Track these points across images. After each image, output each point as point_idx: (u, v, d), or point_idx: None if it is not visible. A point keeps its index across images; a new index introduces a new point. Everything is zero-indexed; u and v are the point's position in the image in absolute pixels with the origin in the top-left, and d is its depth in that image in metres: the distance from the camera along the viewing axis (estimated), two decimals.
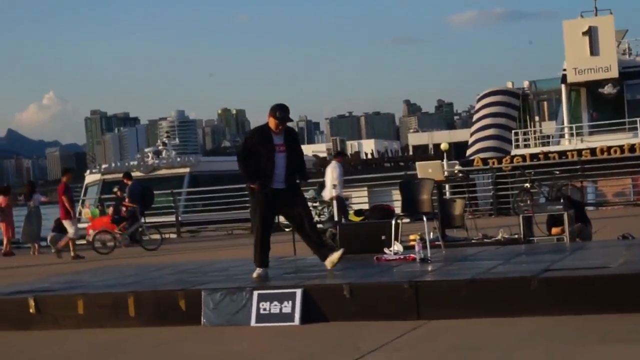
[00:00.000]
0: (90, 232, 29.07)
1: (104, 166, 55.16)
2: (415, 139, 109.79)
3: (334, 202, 23.14)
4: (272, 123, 11.23)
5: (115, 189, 26.81)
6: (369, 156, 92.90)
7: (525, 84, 54.53)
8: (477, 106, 54.18)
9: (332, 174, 23.34)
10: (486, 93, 53.69)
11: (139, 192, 27.77)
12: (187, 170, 48.88)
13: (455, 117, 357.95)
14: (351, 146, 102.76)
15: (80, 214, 38.62)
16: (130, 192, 27.57)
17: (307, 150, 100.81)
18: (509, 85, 55.42)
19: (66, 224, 23.43)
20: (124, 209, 26.72)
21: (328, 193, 23.43)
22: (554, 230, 15.18)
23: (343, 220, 21.94)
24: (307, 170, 12.04)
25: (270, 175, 11.11)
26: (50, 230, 28.74)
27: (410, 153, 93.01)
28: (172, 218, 35.39)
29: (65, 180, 23.64)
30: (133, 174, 40.97)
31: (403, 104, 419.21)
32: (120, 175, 30.47)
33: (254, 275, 11.20)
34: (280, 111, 11.25)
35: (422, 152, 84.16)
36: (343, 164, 23.74)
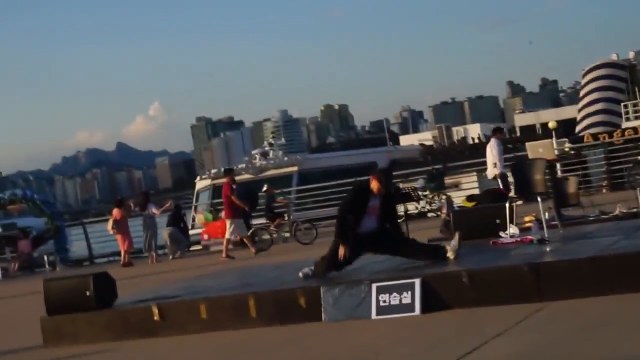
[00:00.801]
0: (205, 236, 29.46)
1: (213, 171, 55.80)
2: (522, 119, 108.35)
3: (499, 180, 22.88)
4: (374, 185, 11.30)
5: (266, 187, 27.24)
6: (476, 140, 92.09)
7: (631, 54, 53.39)
8: (583, 81, 53.27)
9: (492, 151, 23.11)
10: (592, 67, 52.75)
11: (244, 194, 28.10)
12: (295, 168, 49.14)
13: (561, 94, 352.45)
14: (457, 132, 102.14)
15: (193, 219, 39.25)
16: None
17: (413, 139, 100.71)
18: (614, 57, 54.32)
19: (231, 222, 23.79)
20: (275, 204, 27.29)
21: (490, 171, 23.23)
22: None
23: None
24: (401, 232, 12.02)
25: (357, 232, 11.25)
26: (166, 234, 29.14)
27: (518, 134, 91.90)
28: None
29: (229, 180, 24.12)
30: (242, 176, 41.38)
31: (506, 85, 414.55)
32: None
33: (301, 274, 11.38)
34: (383, 176, 11.44)
35: (529, 133, 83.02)
36: (502, 141, 23.45)
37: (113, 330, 11.26)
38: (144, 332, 11.02)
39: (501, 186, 22.23)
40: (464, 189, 33.23)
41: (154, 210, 28.03)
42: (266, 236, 25.88)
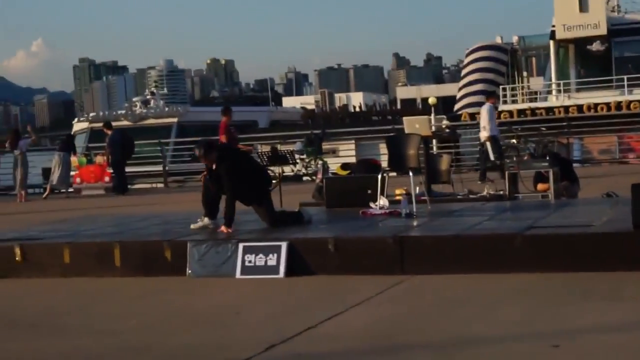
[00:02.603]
0: (78, 180, 29.09)
1: (91, 114, 55.04)
2: (404, 92, 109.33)
3: (487, 143, 23.39)
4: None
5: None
6: (357, 109, 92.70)
7: (515, 39, 54.30)
8: (466, 61, 53.98)
9: (484, 115, 23.78)
10: (475, 48, 53.46)
11: (119, 141, 27.74)
12: (175, 119, 48.81)
13: (444, 71, 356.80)
14: (339, 99, 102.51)
15: None
16: (111, 141, 27.54)
17: (296, 101, 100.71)
18: (498, 40, 55.14)
19: None
20: None
21: (481, 134, 23.78)
22: (540, 186, 15.22)
23: (495, 160, 22.18)
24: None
25: None
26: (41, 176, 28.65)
27: (399, 107, 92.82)
28: (159, 167, 35.37)
29: (226, 120, 23.50)
30: (120, 122, 40.84)
31: (392, 57, 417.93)
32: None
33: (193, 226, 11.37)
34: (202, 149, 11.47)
35: (410, 106, 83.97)
36: (495, 105, 24.07)
37: None
38: (4, 272, 10.84)
39: (490, 149, 22.78)
40: (341, 156, 33.50)
41: (29, 142, 27.47)
42: None
